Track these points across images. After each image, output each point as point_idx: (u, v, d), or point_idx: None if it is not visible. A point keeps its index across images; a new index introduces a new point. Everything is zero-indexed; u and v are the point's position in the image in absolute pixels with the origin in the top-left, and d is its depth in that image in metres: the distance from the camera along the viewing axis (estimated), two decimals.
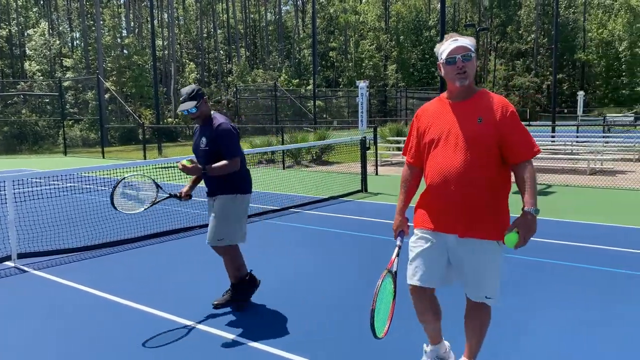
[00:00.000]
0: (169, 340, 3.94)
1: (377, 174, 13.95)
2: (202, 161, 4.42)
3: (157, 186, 4.68)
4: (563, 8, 62.06)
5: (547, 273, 5.34)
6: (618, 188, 10.90)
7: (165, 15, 59.33)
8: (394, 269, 2.95)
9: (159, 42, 53.49)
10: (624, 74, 59.59)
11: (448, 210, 2.88)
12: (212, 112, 4.60)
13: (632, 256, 5.92)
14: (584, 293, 4.71)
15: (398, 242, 3.09)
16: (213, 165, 4.33)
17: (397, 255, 3.01)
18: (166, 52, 55.71)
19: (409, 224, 3.18)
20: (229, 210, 4.41)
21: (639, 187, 10.79)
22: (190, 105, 4.46)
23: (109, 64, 41.58)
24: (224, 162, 4.32)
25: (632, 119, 35.73)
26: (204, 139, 4.46)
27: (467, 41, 2.87)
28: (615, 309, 4.35)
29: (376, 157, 14.35)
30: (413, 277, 3.01)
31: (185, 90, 4.53)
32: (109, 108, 40.23)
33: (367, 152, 11.30)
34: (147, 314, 4.48)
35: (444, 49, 2.87)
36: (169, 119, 42.96)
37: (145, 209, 4.60)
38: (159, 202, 4.66)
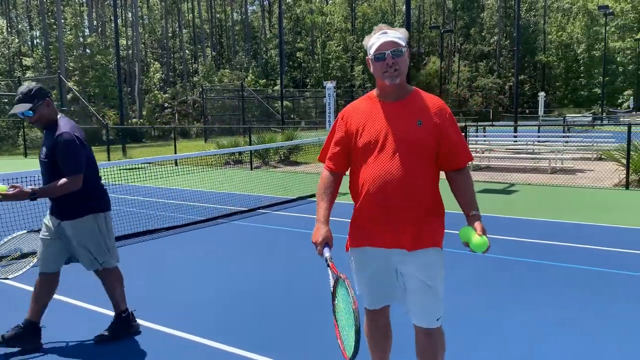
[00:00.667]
0: (129, 343, 3.91)
1: (345, 174, 14.02)
2: (43, 175, 3.81)
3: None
4: (524, 11, 63.57)
5: (509, 270, 5.48)
6: (578, 186, 11.25)
7: (130, 14, 58.33)
8: (340, 277, 2.50)
9: (122, 41, 52.55)
10: (582, 75, 61.52)
11: (391, 223, 2.56)
12: (59, 116, 3.83)
13: (592, 252, 6.13)
14: (543, 288, 4.87)
15: (327, 254, 2.62)
16: (44, 187, 3.71)
17: (332, 266, 2.60)
18: (130, 51, 54.77)
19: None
20: (88, 235, 3.80)
21: (597, 185, 11.16)
22: (24, 107, 3.69)
23: (71, 64, 40.65)
24: (62, 180, 3.62)
25: (590, 119, 36.89)
26: (44, 149, 3.75)
27: (398, 34, 2.55)
28: (587, 304, 4.51)
29: None
30: (361, 295, 2.76)
31: (21, 89, 3.74)
32: (72, 108, 39.25)
33: None
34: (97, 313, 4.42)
35: (372, 43, 2.56)
36: (134, 120, 42.24)
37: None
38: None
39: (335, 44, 65.36)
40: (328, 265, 2.58)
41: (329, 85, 14.94)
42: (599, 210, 8.71)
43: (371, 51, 2.56)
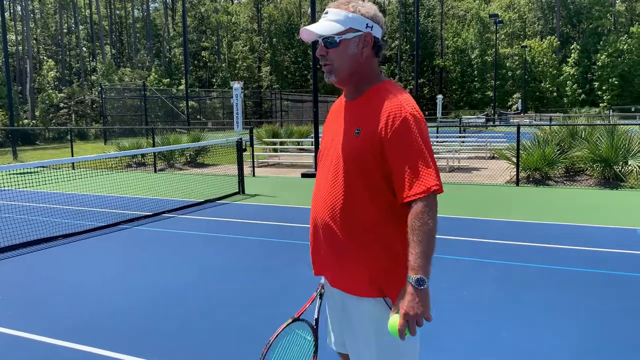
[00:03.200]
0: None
1: (254, 175, 13.97)
2: None
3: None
4: (423, 17, 66.61)
5: None
6: (474, 184, 11.96)
7: (19, 8, 54.30)
8: (315, 316, 2.19)
9: (11, 36, 48.78)
10: (476, 79, 65.50)
11: (322, 255, 2.09)
12: None
13: (488, 246, 6.55)
14: (440, 280, 5.14)
15: (322, 280, 2.24)
16: None
17: (320, 296, 2.22)
18: (20, 47, 51.01)
19: None
20: None
21: (491, 182, 11.94)
22: None
23: None
24: None
25: (483, 120, 39.33)
26: None
27: (341, 14, 1.92)
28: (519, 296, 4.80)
29: (253, 159, 14.36)
30: (327, 335, 2.27)
31: None
32: None
33: (243, 153, 11.28)
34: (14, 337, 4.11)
35: None
36: (26, 121, 39.35)
37: None
38: None
39: (242, 44, 64.83)
40: (319, 294, 2.22)
41: (237, 85, 14.77)
42: (494, 205, 9.32)
43: None
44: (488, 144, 17.85)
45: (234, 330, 4.08)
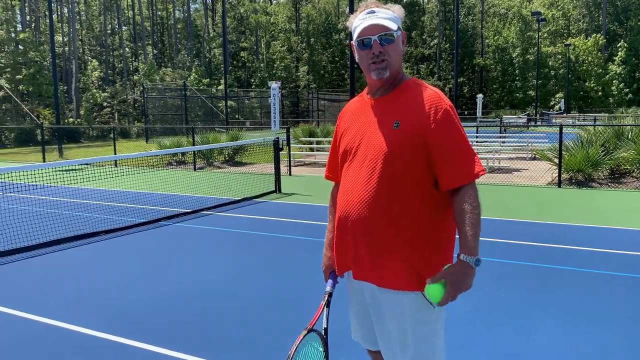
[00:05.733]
0: (64, 349, 3.78)
1: (290, 174, 14.05)
2: None
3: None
4: (463, 15, 65.62)
5: None
6: (514, 185, 11.72)
7: (66, 10, 56.10)
8: (324, 326, 2.19)
9: (58, 37, 50.47)
10: (517, 78, 64.08)
11: (355, 251, 2.07)
12: None
13: (528, 248, 6.41)
14: (480, 282, 5.05)
15: (328, 288, 2.24)
16: None
17: (327, 305, 2.20)
18: (67, 48, 52.69)
19: None
20: None
21: (532, 184, 11.67)
22: None
23: (2, 60, 38.65)
24: None
25: (525, 120, 38.48)
26: None
27: (389, 13, 2.02)
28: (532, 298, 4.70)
29: (289, 158, 14.44)
30: (353, 332, 2.29)
31: None
32: (3, 107, 37.43)
33: (280, 152, 11.36)
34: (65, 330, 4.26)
35: (356, 25, 2.03)
36: (70, 119, 40.68)
37: None
38: None
39: (280, 45, 65.26)
40: (326, 303, 2.20)
41: (274, 85, 14.88)
42: (535, 207, 9.10)
43: (354, 35, 2.04)
44: (529, 144, 17.45)
45: (265, 327, 4.11)
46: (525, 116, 43.12)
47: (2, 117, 36.06)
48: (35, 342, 3.91)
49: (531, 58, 61.12)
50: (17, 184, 12.26)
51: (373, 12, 2.01)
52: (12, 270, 5.84)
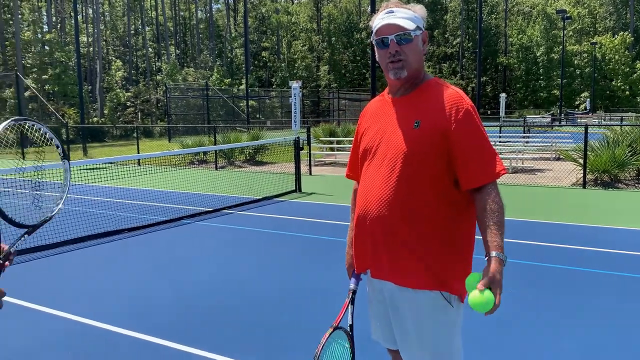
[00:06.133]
0: (83, 346, 3.82)
1: (310, 174, 14.05)
2: None
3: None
4: (486, 14, 64.89)
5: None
6: (538, 185, 11.54)
7: (90, 11, 57.01)
8: (349, 322, 2.21)
9: (83, 38, 51.31)
10: (541, 77, 63.13)
11: (373, 250, 2.08)
12: None
13: (552, 250, 6.30)
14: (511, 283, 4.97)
15: (351, 286, 2.25)
16: None
17: (352, 302, 2.23)
18: (91, 48, 53.55)
19: None
20: None
21: (556, 184, 11.48)
22: None
23: (28, 61, 39.45)
24: None
25: (549, 120, 37.93)
26: None
27: (409, 13, 2.04)
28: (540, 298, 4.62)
29: (310, 158, 14.44)
30: (373, 331, 2.29)
31: None
32: (30, 107, 38.20)
33: (300, 152, 11.36)
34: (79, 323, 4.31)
35: (375, 24, 2.06)
36: (95, 119, 41.32)
37: None
38: None
39: (301, 44, 65.37)
40: (351, 301, 2.23)
41: (295, 85, 14.91)
42: (559, 208, 8.95)
43: (374, 34, 2.08)
44: (553, 144, 17.17)
45: (283, 325, 4.11)
46: (550, 116, 42.50)
47: (29, 117, 36.69)
48: (60, 339, 3.97)
49: (556, 57, 60.15)
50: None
51: (392, 11, 2.04)
52: (38, 266, 5.94)
